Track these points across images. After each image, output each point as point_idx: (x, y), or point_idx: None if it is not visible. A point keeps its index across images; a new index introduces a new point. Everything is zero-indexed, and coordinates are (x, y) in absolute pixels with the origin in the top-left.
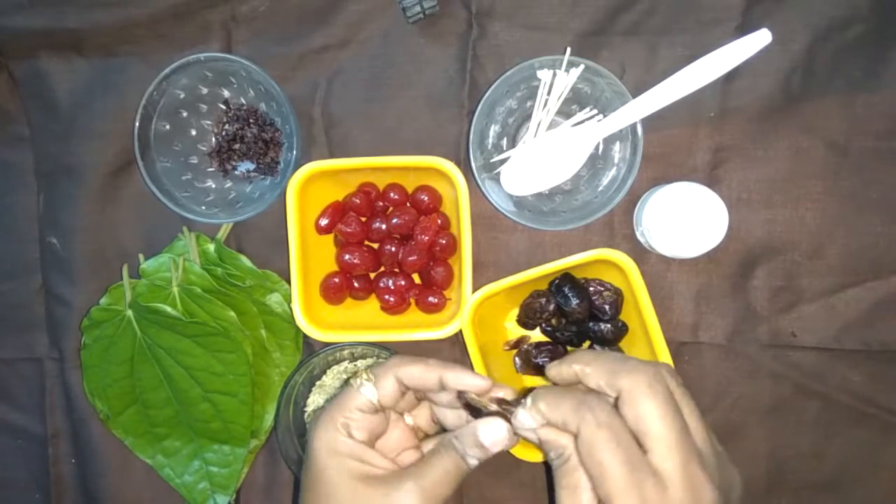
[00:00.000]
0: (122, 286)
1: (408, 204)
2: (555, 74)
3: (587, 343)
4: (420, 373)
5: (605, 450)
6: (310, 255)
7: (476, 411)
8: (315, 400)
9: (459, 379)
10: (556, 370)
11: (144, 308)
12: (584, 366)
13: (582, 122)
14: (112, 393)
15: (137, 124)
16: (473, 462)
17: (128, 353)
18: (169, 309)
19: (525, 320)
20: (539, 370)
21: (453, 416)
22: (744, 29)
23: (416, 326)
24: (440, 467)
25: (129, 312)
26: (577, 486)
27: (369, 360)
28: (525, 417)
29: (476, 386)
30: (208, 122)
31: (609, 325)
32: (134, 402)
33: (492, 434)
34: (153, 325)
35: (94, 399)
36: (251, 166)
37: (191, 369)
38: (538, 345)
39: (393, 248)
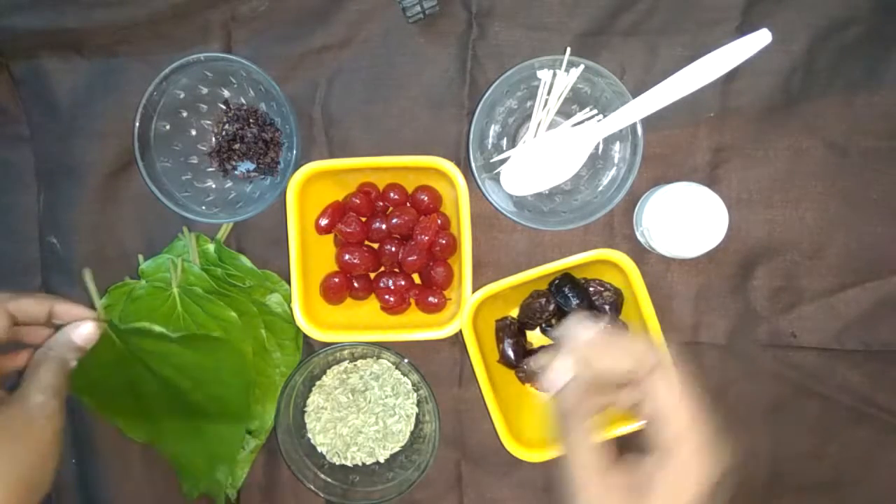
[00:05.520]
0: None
1: (408, 204)
2: (555, 74)
3: None
4: (31, 306)
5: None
6: (310, 255)
7: None
8: (315, 400)
9: (70, 310)
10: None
11: (124, 329)
12: (622, 357)
13: (582, 122)
14: (100, 389)
15: (137, 124)
16: (73, 363)
17: (110, 358)
18: (156, 328)
19: (525, 320)
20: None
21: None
22: (744, 29)
23: (416, 326)
24: (52, 375)
25: (105, 325)
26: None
27: (369, 360)
28: (582, 325)
29: (83, 315)
30: (208, 122)
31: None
32: (124, 392)
33: (84, 335)
34: (134, 335)
35: (80, 394)
36: (251, 166)
37: (181, 368)
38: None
39: (393, 248)
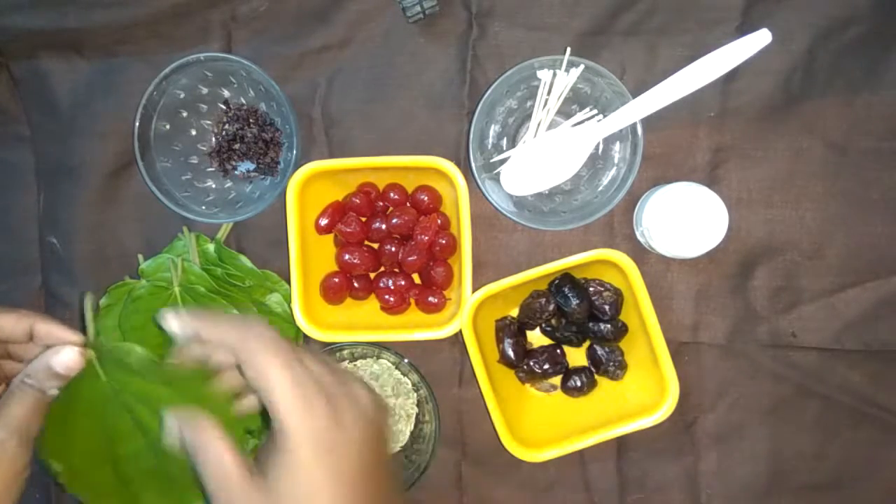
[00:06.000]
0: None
1: (408, 204)
2: (555, 74)
3: (587, 343)
4: (9, 322)
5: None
6: (310, 255)
7: None
8: None
9: (53, 331)
10: (181, 323)
11: (108, 350)
12: (212, 328)
13: (582, 122)
14: (77, 449)
15: (137, 124)
16: (54, 392)
17: (95, 402)
18: (139, 349)
19: (525, 320)
20: (545, 374)
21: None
22: (744, 29)
23: (416, 326)
24: (21, 409)
25: (91, 353)
26: None
27: (369, 360)
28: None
29: (67, 338)
30: (208, 122)
31: (609, 325)
32: (104, 460)
33: (64, 362)
34: (120, 369)
35: (49, 458)
36: (251, 166)
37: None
38: (535, 352)
39: (393, 248)
